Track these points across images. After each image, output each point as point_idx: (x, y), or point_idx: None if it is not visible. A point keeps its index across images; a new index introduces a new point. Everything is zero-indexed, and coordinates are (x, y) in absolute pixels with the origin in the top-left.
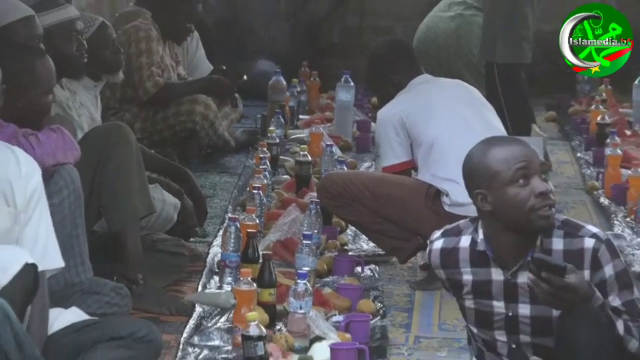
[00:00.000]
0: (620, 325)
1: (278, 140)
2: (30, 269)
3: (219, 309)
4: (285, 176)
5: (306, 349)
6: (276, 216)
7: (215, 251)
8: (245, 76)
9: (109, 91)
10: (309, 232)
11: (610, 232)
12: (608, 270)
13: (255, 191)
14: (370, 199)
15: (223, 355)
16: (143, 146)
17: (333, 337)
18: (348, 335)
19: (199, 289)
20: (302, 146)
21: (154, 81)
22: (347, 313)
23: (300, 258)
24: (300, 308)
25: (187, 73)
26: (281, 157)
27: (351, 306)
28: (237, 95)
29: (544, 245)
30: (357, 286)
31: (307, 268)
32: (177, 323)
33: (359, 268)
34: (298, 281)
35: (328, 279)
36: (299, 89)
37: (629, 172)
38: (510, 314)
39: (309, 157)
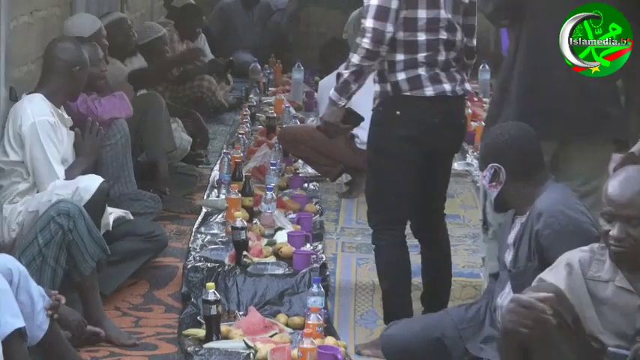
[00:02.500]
0: None
1: (255, 103)
2: (104, 188)
3: (217, 210)
4: (260, 126)
5: (272, 235)
6: (254, 151)
7: (215, 174)
8: (232, 58)
9: None
10: (274, 162)
11: (462, 162)
12: None
13: (241, 135)
14: (310, 142)
15: (220, 239)
16: (170, 103)
17: (290, 228)
18: (298, 226)
19: (205, 197)
20: (270, 107)
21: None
22: (298, 213)
23: (269, 178)
24: (269, 209)
25: None
26: (257, 114)
27: (300, 208)
28: (230, 76)
29: None
30: (304, 195)
31: (273, 184)
32: (191, 219)
33: (306, 184)
34: (267, 192)
35: (286, 191)
36: (269, 71)
37: (476, 123)
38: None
39: (275, 114)
